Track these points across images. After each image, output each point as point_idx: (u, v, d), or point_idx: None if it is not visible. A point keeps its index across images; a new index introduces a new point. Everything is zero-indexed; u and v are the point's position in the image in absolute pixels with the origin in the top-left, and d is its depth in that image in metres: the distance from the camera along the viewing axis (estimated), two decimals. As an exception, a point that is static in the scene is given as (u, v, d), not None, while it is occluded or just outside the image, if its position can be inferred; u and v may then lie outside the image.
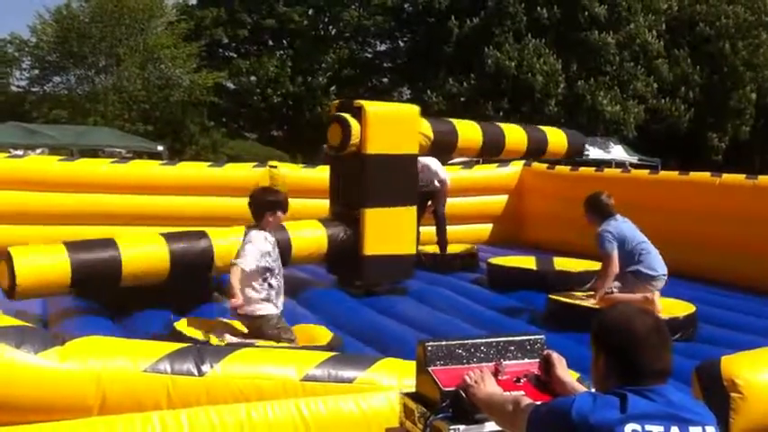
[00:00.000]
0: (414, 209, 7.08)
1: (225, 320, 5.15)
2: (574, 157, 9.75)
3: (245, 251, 4.74)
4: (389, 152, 6.81)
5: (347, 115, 6.68)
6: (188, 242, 6.14)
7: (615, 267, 5.80)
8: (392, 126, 6.91)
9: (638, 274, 5.78)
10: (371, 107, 6.84)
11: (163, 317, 5.44)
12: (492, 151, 8.54)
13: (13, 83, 33.48)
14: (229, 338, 4.76)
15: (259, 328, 4.81)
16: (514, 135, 8.59)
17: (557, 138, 9.07)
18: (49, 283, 5.54)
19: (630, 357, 2.03)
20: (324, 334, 5.03)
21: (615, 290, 5.90)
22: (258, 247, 4.77)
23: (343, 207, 6.95)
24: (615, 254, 5.78)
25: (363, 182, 6.77)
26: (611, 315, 2.14)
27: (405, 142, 6.98)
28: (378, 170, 6.74)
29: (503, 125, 8.86)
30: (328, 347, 4.74)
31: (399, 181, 6.89)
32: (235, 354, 2.97)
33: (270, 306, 4.82)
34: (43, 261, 5.52)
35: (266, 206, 4.93)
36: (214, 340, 4.70)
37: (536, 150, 8.90)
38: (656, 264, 5.84)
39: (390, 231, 6.85)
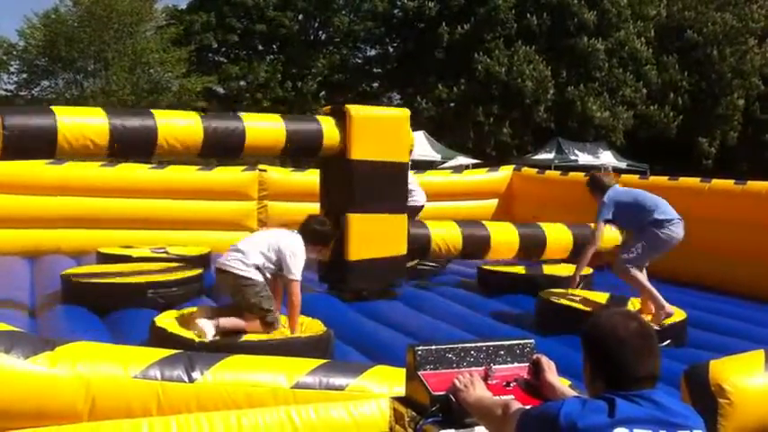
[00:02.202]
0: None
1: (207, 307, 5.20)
2: None
3: (298, 265, 4.95)
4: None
5: None
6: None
7: (600, 234, 5.99)
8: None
9: (657, 223, 5.86)
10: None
11: (149, 315, 5.45)
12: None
13: (0, 87, 33.31)
14: (208, 329, 4.80)
15: (240, 290, 4.90)
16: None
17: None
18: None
19: (615, 362, 2.04)
20: (318, 327, 5.08)
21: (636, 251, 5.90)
22: (303, 259, 5.03)
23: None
24: (603, 222, 5.97)
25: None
26: (596, 320, 2.16)
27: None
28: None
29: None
30: (320, 340, 4.81)
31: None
32: (225, 361, 2.96)
33: (257, 273, 4.92)
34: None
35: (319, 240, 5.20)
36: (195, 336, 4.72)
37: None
38: (668, 209, 5.97)
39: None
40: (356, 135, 6.72)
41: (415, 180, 8.33)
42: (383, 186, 6.79)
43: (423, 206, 8.32)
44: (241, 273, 4.88)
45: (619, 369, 2.03)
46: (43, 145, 5.45)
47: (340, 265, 6.75)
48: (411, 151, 7.29)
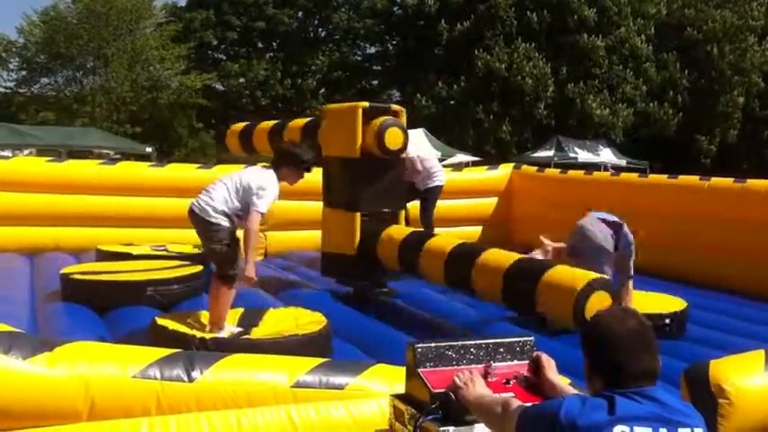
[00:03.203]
0: None
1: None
2: None
3: (264, 198, 4.78)
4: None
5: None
6: None
7: None
8: None
9: None
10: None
11: (148, 313, 5.45)
12: None
13: (-1, 84, 33.30)
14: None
15: (206, 235, 4.87)
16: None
17: None
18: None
19: (612, 360, 2.04)
20: (319, 319, 5.10)
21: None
22: (274, 194, 4.86)
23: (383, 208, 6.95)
24: None
25: (401, 184, 7.08)
26: (595, 318, 2.16)
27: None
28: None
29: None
30: (318, 335, 4.81)
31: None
32: (225, 360, 2.95)
33: (225, 219, 4.83)
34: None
35: (290, 161, 5.00)
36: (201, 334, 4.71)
37: None
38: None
39: None
40: (322, 131, 6.98)
41: (436, 161, 8.65)
42: (334, 181, 6.94)
43: (443, 186, 8.56)
44: (209, 219, 4.81)
45: (616, 366, 2.03)
46: None
47: None
48: (404, 148, 6.84)
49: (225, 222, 4.83)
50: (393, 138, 6.64)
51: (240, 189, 4.83)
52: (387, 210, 6.88)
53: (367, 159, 6.75)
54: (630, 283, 5.99)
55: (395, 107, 7.05)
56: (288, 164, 5.01)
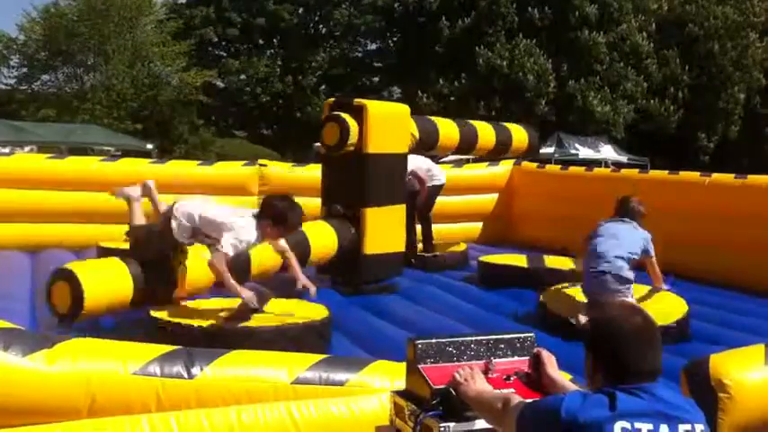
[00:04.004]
0: (402, 207, 7.16)
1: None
2: (532, 155, 10.12)
3: (224, 238, 4.58)
4: (387, 151, 6.88)
5: (345, 115, 6.58)
6: None
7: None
8: (389, 125, 6.96)
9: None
10: (372, 107, 6.82)
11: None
12: (466, 149, 8.70)
13: (0, 81, 33.28)
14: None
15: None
16: (485, 133, 8.66)
17: (519, 135, 9.08)
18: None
19: (615, 356, 2.04)
20: (320, 311, 5.12)
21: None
22: (247, 237, 4.65)
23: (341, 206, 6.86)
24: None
25: (363, 181, 6.74)
26: (599, 314, 2.16)
27: (398, 141, 7.07)
28: (377, 169, 6.77)
29: (475, 123, 8.88)
30: (319, 324, 4.86)
31: (393, 180, 7.03)
32: (225, 356, 2.95)
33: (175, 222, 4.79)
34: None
35: (270, 215, 4.71)
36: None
37: (502, 148, 8.95)
38: (591, 260, 5.71)
39: (386, 230, 6.95)
40: None
41: (431, 163, 8.65)
42: None
43: (443, 184, 8.58)
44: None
45: (620, 363, 2.03)
46: None
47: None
48: (342, 144, 6.65)
49: (173, 223, 4.72)
50: (329, 133, 6.56)
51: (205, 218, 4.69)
52: (339, 206, 6.77)
53: (327, 157, 6.78)
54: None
55: (359, 101, 6.82)
56: (266, 217, 4.73)
